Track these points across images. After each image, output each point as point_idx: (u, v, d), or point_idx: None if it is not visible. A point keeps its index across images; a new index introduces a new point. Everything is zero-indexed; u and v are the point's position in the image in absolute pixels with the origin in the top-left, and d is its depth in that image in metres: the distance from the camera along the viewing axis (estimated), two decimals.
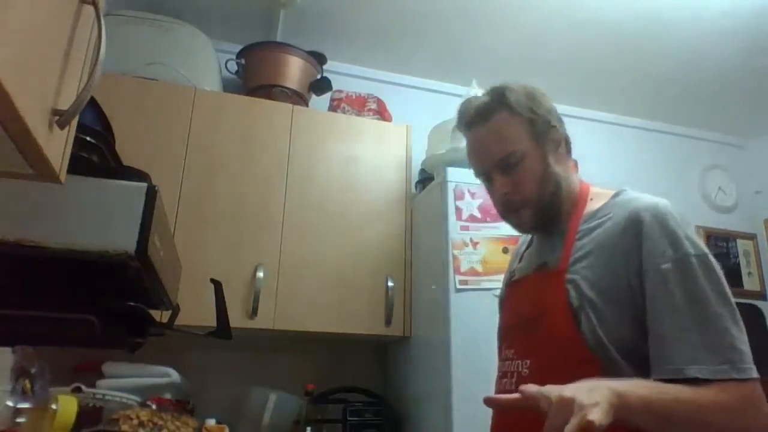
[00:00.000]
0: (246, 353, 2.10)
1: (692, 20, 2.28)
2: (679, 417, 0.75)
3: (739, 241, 3.03)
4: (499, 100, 1.02)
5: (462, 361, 1.65)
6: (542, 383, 0.72)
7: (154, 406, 1.60)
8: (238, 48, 2.31)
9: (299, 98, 2.26)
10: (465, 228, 1.81)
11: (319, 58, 2.35)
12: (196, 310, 1.51)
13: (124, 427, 1.42)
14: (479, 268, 1.77)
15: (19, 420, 1.09)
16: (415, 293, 2.04)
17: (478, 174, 1.07)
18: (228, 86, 2.30)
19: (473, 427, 1.62)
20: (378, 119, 2.31)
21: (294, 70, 2.27)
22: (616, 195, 1.00)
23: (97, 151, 0.92)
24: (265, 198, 2.00)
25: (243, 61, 2.28)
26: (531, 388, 0.71)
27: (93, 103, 0.98)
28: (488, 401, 0.78)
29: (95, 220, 0.78)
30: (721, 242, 2.99)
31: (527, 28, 2.37)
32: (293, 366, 2.14)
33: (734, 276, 2.93)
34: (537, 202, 1.00)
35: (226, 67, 2.29)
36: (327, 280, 1.98)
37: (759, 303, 2.86)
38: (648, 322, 0.84)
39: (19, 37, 0.50)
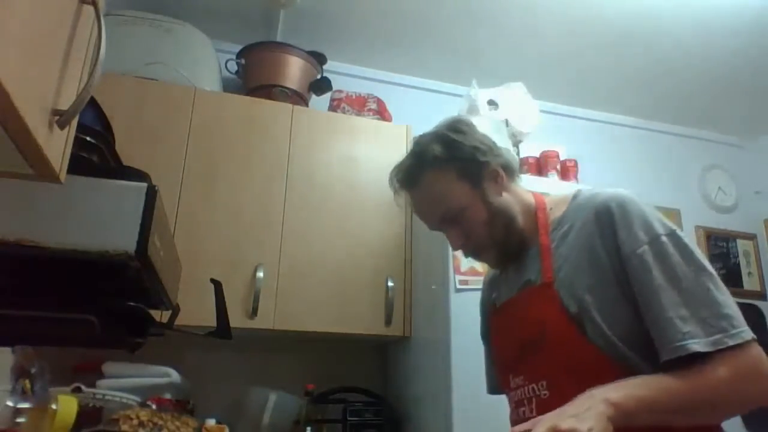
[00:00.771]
0: (246, 353, 2.10)
1: (692, 20, 2.28)
2: (684, 407, 0.76)
3: (739, 241, 3.03)
4: (420, 161, 1.02)
5: (462, 361, 1.65)
6: (564, 401, 0.74)
7: (154, 406, 1.60)
8: (238, 48, 2.31)
9: (299, 98, 2.26)
10: None
11: (319, 58, 2.35)
12: (196, 310, 1.51)
13: (124, 427, 1.42)
14: (479, 268, 1.76)
15: (19, 420, 1.09)
16: (415, 293, 2.04)
17: (431, 229, 1.08)
18: (228, 86, 2.30)
19: (473, 427, 1.63)
20: (378, 119, 2.31)
21: (294, 70, 2.27)
22: (574, 198, 1.00)
23: (97, 151, 0.92)
24: (265, 198, 2.00)
25: (243, 61, 2.28)
26: (520, 427, 0.74)
27: (93, 103, 0.98)
28: None
29: (95, 220, 0.78)
30: (721, 242, 2.99)
31: (527, 28, 2.37)
32: (293, 366, 2.14)
33: (734, 276, 2.92)
34: (493, 242, 1.01)
35: (226, 67, 2.29)
36: (327, 280, 1.98)
37: (759, 303, 2.86)
38: (640, 308, 0.85)
39: (19, 37, 0.50)
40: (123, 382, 1.67)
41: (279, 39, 2.31)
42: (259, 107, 2.11)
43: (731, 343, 0.77)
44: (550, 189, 1.42)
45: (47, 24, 0.59)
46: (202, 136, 1.98)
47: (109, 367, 1.73)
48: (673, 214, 2.86)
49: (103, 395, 1.54)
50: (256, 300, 1.86)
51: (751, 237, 3.06)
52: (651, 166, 3.00)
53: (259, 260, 1.91)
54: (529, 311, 0.97)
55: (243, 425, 1.87)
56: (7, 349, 1.17)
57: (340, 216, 2.06)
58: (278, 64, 2.25)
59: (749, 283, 2.96)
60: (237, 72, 2.30)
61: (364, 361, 2.26)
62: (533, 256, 1.00)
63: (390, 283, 2.02)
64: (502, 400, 1.07)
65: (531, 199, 1.06)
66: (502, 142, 1.59)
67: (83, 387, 1.51)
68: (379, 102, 2.39)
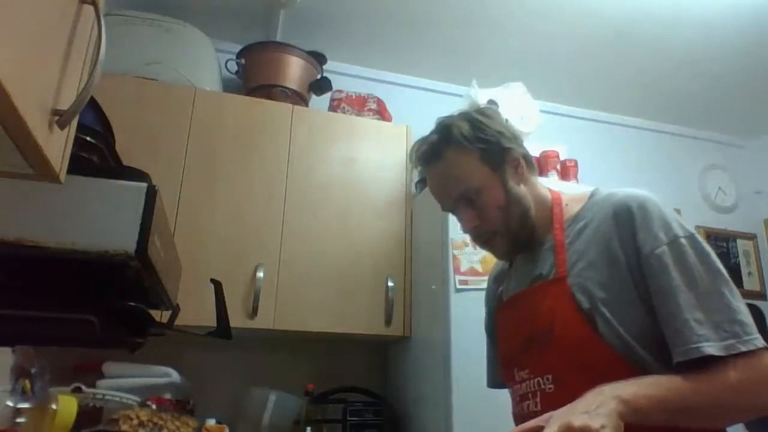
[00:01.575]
0: (246, 353, 2.10)
1: (692, 20, 2.28)
2: (693, 408, 0.76)
3: (739, 241, 3.03)
4: (445, 137, 1.01)
5: (462, 361, 1.65)
6: (570, 396, 0.74)
7: (154, 406, 1.60)
8: (238, 48, 2.31)
9: (299, 98, 2.26)
10: None
11: (319, 58, 2.35)
12: (196, 310, 1.51)
13: (124, 427, 1.42)
14: (479, 268, 1.77)
15: (19, 420, 1.09)
16: (415, 293, 2.04)
17: (444, 209, 1.07)
18: (228, 86, 2.30)
19: (473, 427, 1.63)
20: (378, 119, 2.31)
21: (294, 70, 2.27)
22: (592, 195, 1.00)
23: (97, 151, 0.92)
24: (265, 198, 2.00)
25: (243, 61, 2.28)
26: (529, 424, 0.74)
27: (93, 103, 0.98)
28: None
29: (95, 220, 0.78)
30: (721, 242, 2.98)
31: (527, 28, 2.37)
32: (293, 366, 2.14)
33: (734, 276, 2.88)
34: (506, 229, 1.00)
35: (226, 67, 2.29)
36: (327, 280, 1.98)
37: (759, 303, 2.86)
38: (655, 307, 0.85)
39: (19, 37, 0.50)
40: (123, 382, 1.67)
41: (279, 39, 2.31)
42: (259, 107, 2.11)
43: (743, 348, 0.77)
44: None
45: (47, 24, 0.59)
46: (202, 136, 1.99)
47: (109, 367, 1.73)
48: None
49: (103, 395, 1.54)
50: (256, 300, 1.86)
51: (751, 237, 3.06)
52: (651, 166, 3.00)
53: (259, 260, 1.91)
54: (539, 304, 0.96)
55: (243, 425, 1.87)
56: (7, 349, 1.17)
57: (340, 216, 2.06)
58: (278, 64, 2.25)
59: (749, 283, 2.96)
60: (237, 72, 2.30)
61: (364, 361, 2.26)
62: (546, 251, 1.00)
63: (390, 283, 2.02)
64: (502, 399, 1.06)
65: (547, 194, 1.06)
66: None
67: (83, 387, 1.51)
68: (379, 102, 2.39)
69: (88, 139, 0.89)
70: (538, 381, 0.93)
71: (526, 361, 0.97)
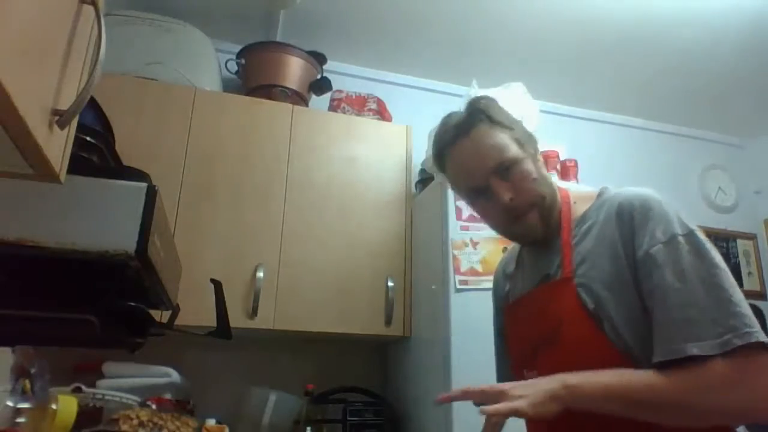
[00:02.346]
0: (246, 353, 2.10)
1: (692, 20, 2.28)
2: (655, 403, 0.76)
3: (739, 241, 3.03)
4: (478, 113, 1.01)
5: (462, 361, 1.65)
6: None
7: (154, 406, 1.60)
8: (238, 48, 2.31)
9: (299, 98, 2.26)
10: (465, 228, 1.81)
11: (319, 58, 2.35)
12: (196, 310, 1.51)
13: (124, 427, 1.42)
14: (479, 268, 1.77)
15: (19, 420, 1.09)
16: (415, 293, 2.04)
17: (471, 190, 1.02)
18: (228, 86, 2.30)
19: (473, 427, 1.62)
20: (378, 119, 2.31)
21: (294, 70, 2.27)
22: (599, 195, 1.00)
23: (97, 151, 0.92)
24: (265, 198, 2.00)
25: (243, 61, 2.28)
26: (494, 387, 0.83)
27: (93, 103, 0.98)
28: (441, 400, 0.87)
29: (95, 220, 0.78)
30: (721, 242, 2.98)
31: (527, 28, 2.37)
32: (293, 366, 2.14)
33: (734, 276, 2.90)
34: (541, 202, 0.99)
35: (226, 67, 2.29)
36: (327, 280, 1.98)
37: (759, 303, 2.86)
38: (648, 309, 0.84)
39: (19, 37, 0.50)
40: (123, 382, 1.67)
41: (279, 39, 2.31)
42: (259, 107, 2.11)
43: (740, 342, 0.75)
44: None
45: (47, 24, 0.59)
46: (202, 136, 1.98)
47: (109, 367, 1.73)
48: None
49: (103, 395, 1.54)
50: (256, 300, 1.86)
51: (751, 237, 3.06)
52: (651, 165, 2.99)
53: (259, 260, 1.91)
54: (546, 306, 0.96)
55: (243, 425, 1.87)
56: (7, 349, 1.17)
57: (340, 216, 2.06)
58: (278, 64, 2.25)
59: (749, 283, 2.96)
60: (237, 72, 2.30)
61: (364, 361, 2.26)
62: (554, 251, 0.99)
63: (390, 283, 2.02)
64: None
65: (558, 190, 1.06)
66: None
67: (83, 387, 1.51)
68: (379, 102, 2.39)
69: (88, 139, 0.90)
70: None
71: (535, 361, 0.97)
